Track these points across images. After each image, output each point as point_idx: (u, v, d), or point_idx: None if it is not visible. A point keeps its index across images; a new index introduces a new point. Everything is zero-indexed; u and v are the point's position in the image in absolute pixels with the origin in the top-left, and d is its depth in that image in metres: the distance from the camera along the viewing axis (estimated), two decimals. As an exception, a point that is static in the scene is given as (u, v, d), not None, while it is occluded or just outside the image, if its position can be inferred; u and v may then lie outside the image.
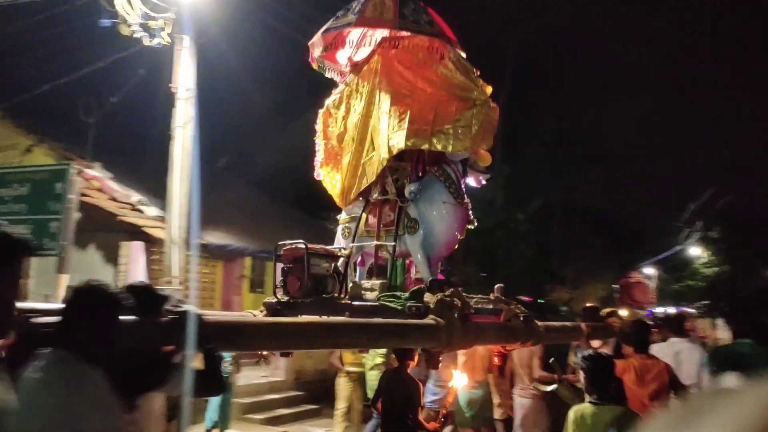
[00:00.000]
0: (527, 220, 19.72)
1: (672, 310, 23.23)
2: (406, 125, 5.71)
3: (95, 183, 10.02)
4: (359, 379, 8.95)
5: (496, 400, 7.33)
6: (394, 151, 5.75)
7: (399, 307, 4.74)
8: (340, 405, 8.97)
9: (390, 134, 5.78)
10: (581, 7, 17.40)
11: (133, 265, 9.40)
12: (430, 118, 5.72)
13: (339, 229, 6.33)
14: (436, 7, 6.30)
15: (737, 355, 6.11)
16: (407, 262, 6.09)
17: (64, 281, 7.04)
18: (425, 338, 4.29)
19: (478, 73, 5.99)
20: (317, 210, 18.33)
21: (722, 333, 25.20)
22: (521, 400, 7.14)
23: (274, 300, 5.40)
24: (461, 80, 5.87)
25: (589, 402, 3.87)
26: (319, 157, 6.46)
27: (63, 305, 2.47)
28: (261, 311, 5.46)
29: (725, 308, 23.03)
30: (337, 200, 6.36)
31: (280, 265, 5.78)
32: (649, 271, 27.16)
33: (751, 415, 0.43)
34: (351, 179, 6.11)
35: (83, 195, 8.63)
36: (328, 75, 6.69)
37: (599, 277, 26.75)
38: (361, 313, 4.65)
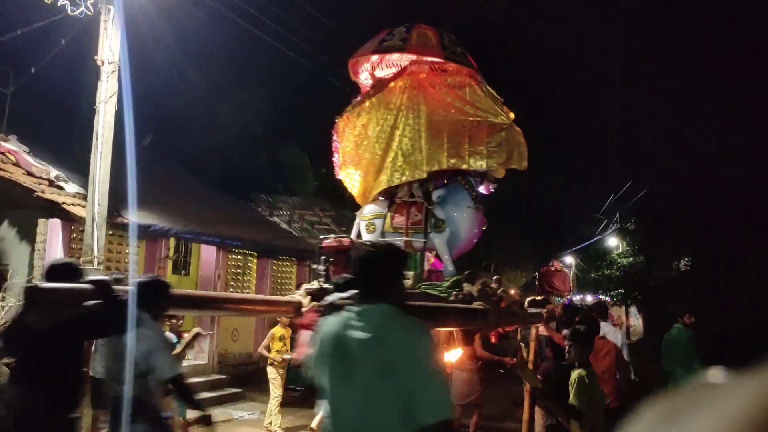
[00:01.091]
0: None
1: (589, 298, 24.06)
2: (445, 145, 6.60)
3: (11, 157, 9.56)
4: (285, 368, 8.95)
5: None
6: (435, 168, 6.65)
7: (443, 294, 5.38)
8: (277, 393, 8.83)
9: (430, 151, 6.63)
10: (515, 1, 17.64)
11: (52, 244, 9.03)
12: (465, 140, 6.60)
13: (362, 224, 6.97)
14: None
15: (671, 339, 7.32)
16: (426, 255, 6.93)
17: (-24, 259, 6.70)
18: (481, 320, 5.11)
19: (502, 100, 6.81)
20: (243, 191, 18.05)
21: (634, 320, 26.35)
22: (459, 374, 7.80)
23: (318, 287, 5.97)
24: (489, 105, 6.68)
25: (582, 367, 4.72)
26: (339, 159, 7.17)
27: (368, 265, 2.71)
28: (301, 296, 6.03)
29: (638, 297, 24.04)
30: (358, 199, 7.11)
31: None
32: (569, 260, 28.03)
33: (742, 410, 0.43)
34: (373, 181, 6.85)
35: (-3, 169, 8.21)
36: (359, 86, 7.46)
37: (521, 266, 27.40)
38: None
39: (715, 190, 19.71)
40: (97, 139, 7.85)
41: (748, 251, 16.60)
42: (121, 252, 10.13)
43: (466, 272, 5.96)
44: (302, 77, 18.49)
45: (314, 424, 8.29)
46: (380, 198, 6.98)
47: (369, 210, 7.02)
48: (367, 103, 6.95)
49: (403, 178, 6.70)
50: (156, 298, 4.14)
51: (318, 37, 14.03)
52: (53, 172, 9.37)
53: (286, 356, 8.87)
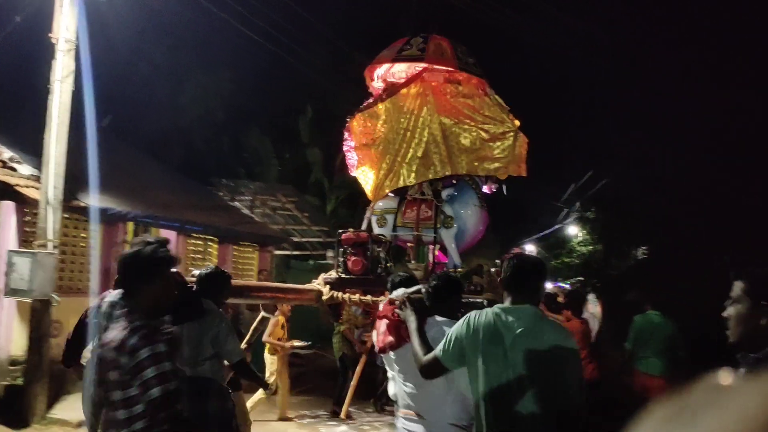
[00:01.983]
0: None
1: (549, 284, 24.35)
2: (460, 155, 7.16)
3: (-40, 137, 9.25)
4: (286, 358, 8.77)
5: None
6: (450, 173, 7.22)
7: None
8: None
9: (444, 156, 7.13)
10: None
11: (4, 227, 8.77)
12: (476, 149, 7.16)
13: (374, 218, 7.52)
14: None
15: (654, 325, 7.51)
16: (429, 248, 7.53)
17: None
18: None
19: (509, 108, 7.37)
20: (204, 175, 17.81)
21: (592, 307, 26.75)
22: None
23: (335, 276, 6.67)
24: (496, 113, 7.25)
25: None
26: (354, 158, 7.57)
27: (523, 273, 3.22)
28: (319, 284, 6.59)
29: (597, 284, 24.44)
30: (370, 195, 7.56)
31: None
32: (530, 247, 28.33)
33: (752, 411, 0.42)
34: (384, 178, 7.31)
35: (-54, 149, 7.94)
36: (370, 90, 7.95)
37: (483, 253, 27.61)
38: None
39: (674, 181, 20.09)
40: (52, 119, 7.64)
41: (703, 243, 16.98)
42: (77, 236, 9.90)
43: (475, 265, 6.55)
44: (266, 61, 18.27)
45: (342, 413, 8.36)
46: (390, 194, 7.47)
47: (380, 205, 7.53)
48: (380, 106, 7.37)
49: (418, 179, 7.23)
50: (219, 287, 4.62)
51: (282, 20, 13.84)
52: (6, 153, 9.09)
53: (298, 343, 8.64)
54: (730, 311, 2.23)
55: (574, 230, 27.00)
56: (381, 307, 4.08)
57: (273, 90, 21.14)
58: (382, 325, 3.85)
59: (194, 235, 12.57)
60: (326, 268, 15.42)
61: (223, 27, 13.71)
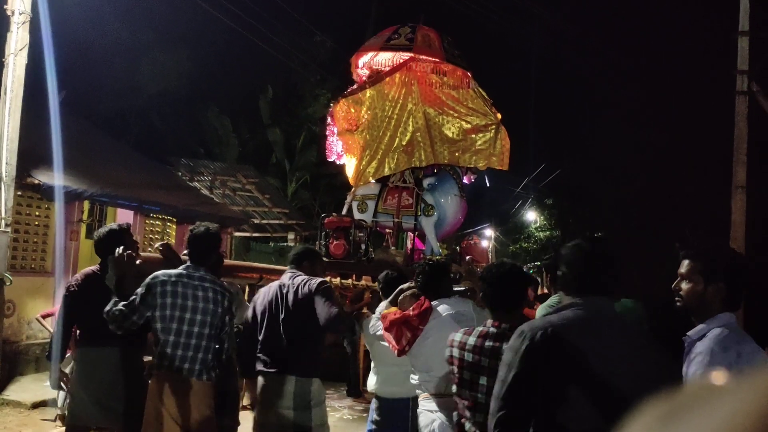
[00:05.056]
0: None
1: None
2: (443, 145, 7.34)
3: None
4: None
5: None
6: (432, 162, 7.44)
7: None
8: None
9: (428, 145, 7.28)
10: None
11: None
12: (459, 140, 7.34)
13: (354, 204, 7.68)
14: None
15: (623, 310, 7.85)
16: (408, 235, 7.70)
17: None
18: (471, 299, 5.73)
19: (491, 101, 7.58)
20: (163, 154, 17.51)
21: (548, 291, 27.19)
22: None
23: None
24: (479, 105, 7.42)
25: None
26: (339, 144, 7.70)
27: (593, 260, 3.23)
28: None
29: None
30: (351, 181, 7.71)
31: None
32: (489, 233, 28.64)
33: (746, 411, 0.41)
34: (367, 165, 7.40)
35: None
36: (354, 78, 8.11)
37: (443, 239, 27.80)
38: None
39: (630, 170, 20.51)
40: (5, 93, 7.43)
41: (656, 229, 17.40)
42: (30, 214, 9.67)
43: (452, 253, 6.81)
44: (226, 39, 18.01)
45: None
46: (372, 181, 7.62)
47: (361, 191, 7.67)
48: (364, 93, 7.47)
49: (401, 167, 7.35)
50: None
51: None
52: (-44, 128, 8.81)
53: None
54: (681, 286, 2.36)
55: (532, 216, 27.37)
56: (379, 324, 4.11)
57: (233, 69, 20.86)
58: (389, 335, 3.87)
59: (153, 215, 12.39)
60: (287, 251, 15.38)
61: (182, 3, 13.46)
